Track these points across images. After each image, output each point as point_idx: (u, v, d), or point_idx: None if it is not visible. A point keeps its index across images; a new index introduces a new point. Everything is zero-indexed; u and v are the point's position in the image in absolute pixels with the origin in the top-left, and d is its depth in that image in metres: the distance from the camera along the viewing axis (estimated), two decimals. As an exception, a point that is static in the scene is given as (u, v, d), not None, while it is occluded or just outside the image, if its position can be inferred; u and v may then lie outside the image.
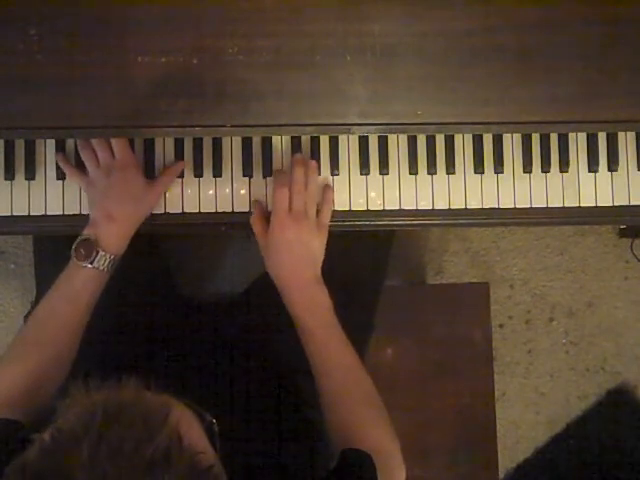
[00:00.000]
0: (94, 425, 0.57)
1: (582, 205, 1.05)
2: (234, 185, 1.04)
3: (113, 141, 0.98)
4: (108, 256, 0.95)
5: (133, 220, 0.99)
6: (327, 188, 1.03)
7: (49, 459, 0.56)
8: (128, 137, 1.01)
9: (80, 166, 1.01)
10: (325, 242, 1.00)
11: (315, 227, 0.99)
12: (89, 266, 0.94)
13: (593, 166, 1.04)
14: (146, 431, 0.57)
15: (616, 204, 1.05)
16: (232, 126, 0.93)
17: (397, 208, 1.04)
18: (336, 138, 1.04)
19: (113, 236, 0.96)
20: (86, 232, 0.96)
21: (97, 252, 0.94)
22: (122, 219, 0.97)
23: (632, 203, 1.04)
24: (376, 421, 0.95)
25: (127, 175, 0.98)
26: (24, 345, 0.96)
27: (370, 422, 0.94)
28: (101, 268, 0.95)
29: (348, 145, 1.04)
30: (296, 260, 0.97)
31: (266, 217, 1.01)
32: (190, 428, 0.62)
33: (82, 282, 0.95)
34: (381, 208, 1.04)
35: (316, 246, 0.99)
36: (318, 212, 1.00)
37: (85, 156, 1.00)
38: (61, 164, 1.02)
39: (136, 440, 0.56)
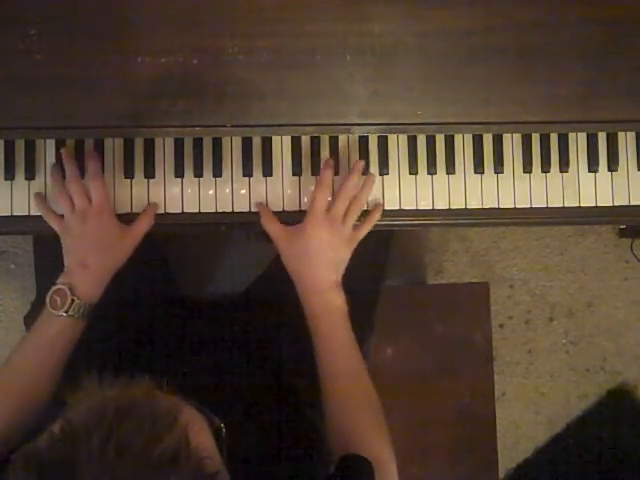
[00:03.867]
0: (105, 420, 0.57)
1: (582, 205, 1.04)
2: (234, 185, 1.04)
3: (91, 185, 0.97)
4: (83, 304, 0.95)
5: (109, 268, 0.98)
6: (378, 207, 1.02)
7: (58, 450, 0.56)
8: (128, 137, 1.01)
9: (79, 167, 1.01)
10: (350, 254, 0.99)
11: (348, 236, 0.98)
12: (64, 315, 0.94)
13: (593, 166, 1.04)
14: (155, 431, 0.57)
15: (616, 204, 1.04)
16: (232, 126, 0.93)
17: (397, 208, 1.04)
18: (336, 138, 1.03)
19: (88, 284, 0.96)
20: (60, 281, 0.96)
21: (72, 300, 0.94)
22: (97, 267, 0.97)
23: (632, 203, 1.04)
24: (377, 430, 0.95)
25: (102, 221, 0.97)
26: None
27: (372, 430, 0.94)
28: (76, 316, 0.94)
29: (348, 145, 1.04)
30: (324, 262, 0.97)
31: (276, 217, 1.00)
32: (199, 431, 0.62)
33: (57, 330, 0.95)
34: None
35: (345, 254, 0.99)
36: (357, 225, 1.00)
37: (60, 200, 0.99)
38: (36, 203, 1.01)
39: (145, 439, 0.56)
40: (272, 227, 1.00)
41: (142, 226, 1.00)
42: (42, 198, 1.01)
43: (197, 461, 0.58)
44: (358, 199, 0.99)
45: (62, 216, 0.99)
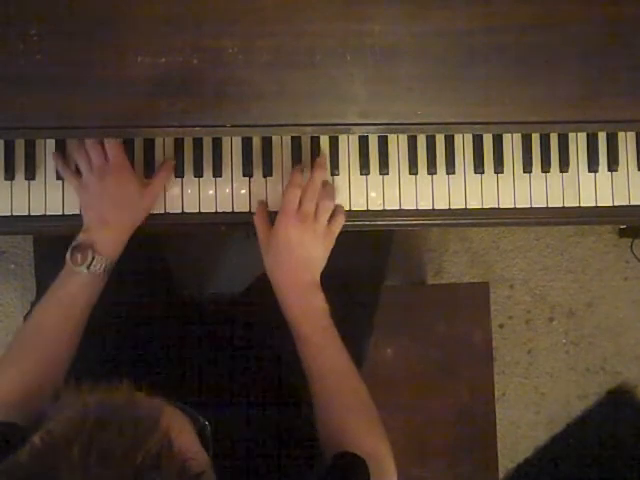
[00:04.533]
0: (85, 429, 0.56)
1: (582, 205, 1.04)
2: (234, 185, 1.04)
3: (107, 144, 0.98)
4: (104, 260, 0.95)
5: (128, 224, 0.98)
6: (338, 208, 1.02)
7: (39, 462, 0.56)
8: (128, 137, 1.01)
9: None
10: (329, 250, 0.99)
11: (322, 232, 0.98)
12: (85, 271, 0.94)
13: (593, 166, 1.04)
14: (137, 436, 0.56)
15: (616, 204, 1.04)
16: (232, 126, 0.93)
17: (397, 208, 1.04)
18: (336, 138, 1.04)
19: (108, 240, 0.96)
20: (81, 237, 0.96)
21: (93, 257, 0.94)
22: (117, 223, 0.97)
23: (632, 203, 1.04)
24: (370, 427, 0.94)
25: (121, 178, 0.97)
26: (21, 349, 0.95)
27: (364, 428, 0.94)
28: (97, 272, 0.94)
29: (348, 145, 1.04)
30: (295, 262, 0.97)
31: (269, 217, 1.01)
32: (181, 432, 0.62)
33: (78, 287, 0.94)
34: (381, 208, 1.04)
35: (319, 251, 0.98)
36: (330, 219, 1.00)
37: (78, 158, 0.99)
38: (56, 163, 1.01)
39: (126, 445, 0.55)
40: (259, 227, 1.00)
41: (160, 183, 1.01)
42: (59, 155, 1.01)
43: (181, 462, 0.57)
44: (325, 193, 0.99)
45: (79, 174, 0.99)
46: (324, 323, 0.97)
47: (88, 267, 0.94)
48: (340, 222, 1.00)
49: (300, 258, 0.97)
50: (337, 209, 1.01)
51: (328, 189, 1.01)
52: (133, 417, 0.58)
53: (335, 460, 0.86)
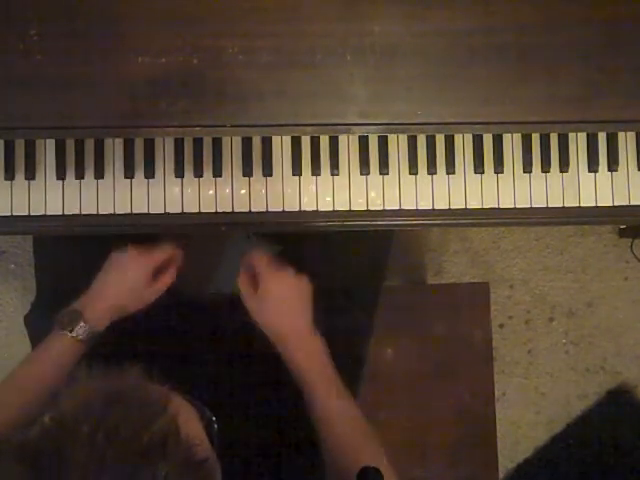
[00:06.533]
0: (94, 408, 0.58)
1: (582, 205, 1.04)
2: (234, 185, 1.04)
3: (171, 247, 1.04)
4: (88, 328, 0.97)
5: (123, 307, 1.02)
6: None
7: (48, 439, 0.57)
8: (128, 137, 1.01)
9: (79, 163, 1.01)
10: (310, 287, 1.01)
11: (294, 272, 1.00)
12: (67, 334, 0.96)
13: (593, 166, 1.04)
14: (144, 417, 0.58)
15: (616, 204, 1.04)
16: (232, 126, 0.93)
17: (397, 208, 1.04)
18: (336, 138, 1.03)
19: (99, 311, 0.99)
20: (76, 304, 0.99)
21: (79, 323, 0.97)
22: (113, 301, 1.01)
23: (632, 203, 1.04)
24: (378, 458, 0.95)
25: (139, 268, 1.02)
26: None
27: (371, 459, 0.94)
28: (79, 338, 0.97)
29: (348, 145, 1.04)
30: (287, 312, 0.99)
31: (254, 277, 1.02)
32: (188, 420, 0.63)
33: (59, 348, 0.97)
34: (381, 208, 1.04)
35: (299, 292, 1.00)
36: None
37: None
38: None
39: (134, 426, 0.57)
40: (243, 289, 1.02)
41: (166, 281, 1.05)
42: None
43: (186, 447, 0.58)
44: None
45: None
46: (327, 368, 0.98)
47: (71, 331, 0.96)
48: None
49: (291, 307, 0.99)
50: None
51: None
52: (141, 400, 0.60)
53: (361, 475, 0.86)
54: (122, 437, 0.56)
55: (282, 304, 0.99)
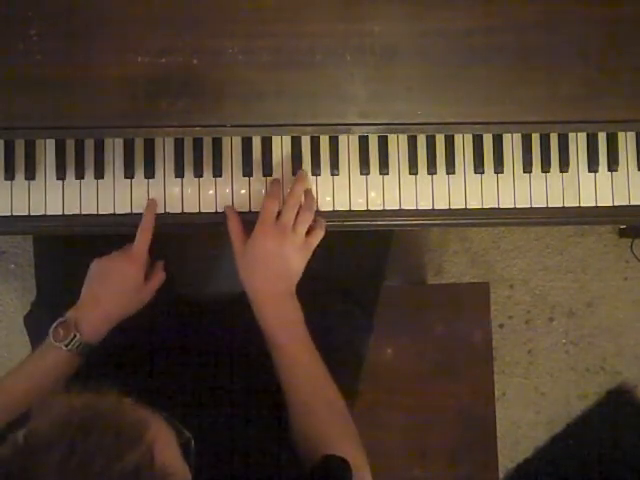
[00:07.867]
0: (68, 433, 0.56)
1: (582, 205, 1.04)
2: (234, 185, 1.04)
3: (139, 232, 0.99)
4: (83, 341, 0.95)
5: (118, 312, 1.00)
6: (320, 217, 1.02)
7: (19, 461, 0.55)
8: (128, 137, 1.01)
9: (79, 163, 1.01)
10: (306, 262, 0.98)
11: (300, 244, 0.97)
12: (63, 348, 0.95)
13: (593, 166, 1.04)
14: (118, 447, 0.56)
15: (616, 204, 1.04)
16: (232, 126, 0.93)
17: (397, 208, 1.04)
18: (336, 138, 1.03)
19: (94, 321, 0.97)
20: (70, 313, 0.97)
21: (74, 335, 0.95)
22: (108, 307, 0.98)
23: (632, 203, 1.04)
24: (345, 434, 0.94)
25: (129, 269, 0.99)
26: None
27: (339, 436, 0.93)
28: (74, 352, 0.95)
29: (348, 145, 1.04)
30: (271, 272, 0.97)
31: (245, 226, 1.00)
32: (166, 447, 0.61)
33: (53, 361, 0.95)
34: (381, 208, 1.04)
35: (295, 263, 0.97)
36: (309, 232, 0.99)
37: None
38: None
39: (107, 455, 0.55)
40: (234, 235, 0.99)
41: (156, 284, 1.03)
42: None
43: (161, 478, 0.57)
44: (306, 206, 0.99)
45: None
46: (300, 333, 0.97)
47: (67, 345, 0.95)
48: (319, 235, 0.99)
49: (276, 269, 0.97)
50: (317, 221, 1.00)
51: (309, 201, 1.00)
52: (117, 427, 0.58)
53: (323, 462, 0.85)
54: (94, 467, 0.54)
55: (265, 261, 0.96)
